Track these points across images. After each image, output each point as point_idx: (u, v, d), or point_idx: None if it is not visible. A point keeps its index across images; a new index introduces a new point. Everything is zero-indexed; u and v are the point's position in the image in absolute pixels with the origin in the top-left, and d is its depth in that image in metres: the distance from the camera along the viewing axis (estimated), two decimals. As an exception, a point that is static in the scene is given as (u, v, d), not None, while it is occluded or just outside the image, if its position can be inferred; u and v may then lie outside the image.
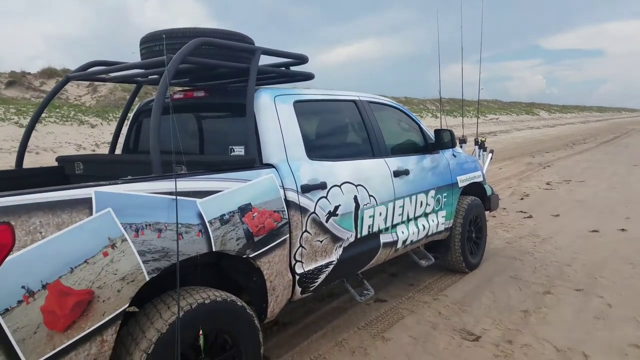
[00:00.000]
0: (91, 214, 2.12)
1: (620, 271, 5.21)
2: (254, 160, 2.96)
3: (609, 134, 33.32)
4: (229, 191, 2.69)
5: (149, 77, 3.62)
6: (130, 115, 4.13)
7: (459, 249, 5.04)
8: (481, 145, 6.99)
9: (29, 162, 4.42)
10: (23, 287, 1.90)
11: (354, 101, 4.02)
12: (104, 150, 14.76)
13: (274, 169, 3.05)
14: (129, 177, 2.39)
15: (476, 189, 5.47)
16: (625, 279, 4.97)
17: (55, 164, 3.88)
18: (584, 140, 27.25)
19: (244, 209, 2.75)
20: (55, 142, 14.99)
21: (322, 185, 3.29)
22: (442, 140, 4.65)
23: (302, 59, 3.55)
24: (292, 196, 3.07)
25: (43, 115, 16.44)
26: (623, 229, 7.00)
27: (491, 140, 24.27)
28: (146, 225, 2.29)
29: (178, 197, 2.40)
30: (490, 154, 7.18)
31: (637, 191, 10.09)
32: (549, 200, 9.51)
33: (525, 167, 14.81)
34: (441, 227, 4.76)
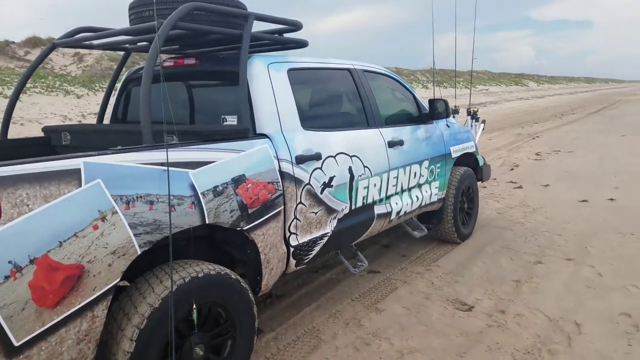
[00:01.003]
0: (80, 186, 2.04)
1: (609, 240, 5.25)
2: (247, 130, 2.88)
3: (596, 104, 33.46)
4: (222, 162, 2.62)
5: (138, 44, 3.50)
6: (118, 84, 4.00)
7: (451, 219, 5.03)
8: (473, 116, 6.96)
9: (14, 134, 4.29)
10: (10, 262, 1.82)
11: (348, 70, 3.93)
12: (91, 121, 14.53)
13: (268, 140, 2.97)
14: (119, 148, 2.30)
15: (469, 159, 5.44)
16: (615, 248, 5.01)
17: (41, 134, 3.77)
18: (572, 111, 27.34)
19: (238, 181, 2.68)
20: (40, 113, 14.71)
21: (317, 156, 3.23)
22: (437, 110, 4.58)
23: (295, 26, 3.44)
24: (287, 167, 3.01)
25: (28, 85, 16.13)
26: (612, 199, 7.05)
27: (481, 111, 24.28)
28: (137, 197, 2.21)
29: (170, 168, 2.32)
30: (482, 124, 7.16)
31: (625, 161, 10.15)
32: (539, 170, 9.55)
33: (514, 138, 14.84)
34: (434, 198, 4.73)
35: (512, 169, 9.72)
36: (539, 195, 7.42)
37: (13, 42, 23.36)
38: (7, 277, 1.82)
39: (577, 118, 22.41)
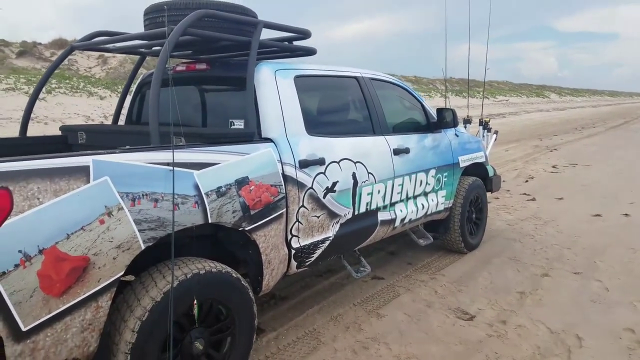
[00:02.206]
0: (88, 182, 2.16)
1: (620, 256, 5.22)
2: (252, 134, 2.98)
3: (619, 118, 32.99)
4: (227, 164, 2.72)
5: (153, 48, 3.62)
6: (134, 86, 4.14)
7: (458, 229, 5.06)
8: (485, 126, 6.97)
9: (38, 132, 4.46)
10: (20, 251, 1.94)
11: (355, 77, 4.00)
12: (112, 122, 14.75)
13: (272, 144, 3.07)
14: (127, 147, 2.42)
15: (478, 169, 5.46)
16: (625, 264, 4.98)
17: (59, 133, 3.92)
18: (593, 124, 27.01)
19: (241, 182, 2.77)
20: (64, 113, 15.03)
21: (321, 161, 3.31)
22: (444, 120, 4.63)
23: (304, 34, 3.53)
24: (290, 171, 3.09)
25: (53, 86, 16.53)
26: (626, 214, 6.99)
27: (500, 122, 24.16)
28: (143, 194, 2.32)
29: (175, 168, 2.42)
30: (494, 135, 7.17)
31: (643, 177, 10.03)
32: (554, 183, 9.48)
33: (532, 150, 14.74)
34: (441, 207, 4.77)
35: (526, 181, 9.67)
36: (552, 208, 7.39)
37: (40, 44, 23.92)
38: (17, 266, 1.94)
39: (598, 131, 22.15)
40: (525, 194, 8.40)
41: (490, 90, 44.02)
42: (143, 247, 2.31)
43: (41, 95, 3.71)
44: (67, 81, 18.20)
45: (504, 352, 3.31)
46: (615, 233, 6.08)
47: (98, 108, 16.60)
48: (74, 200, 2.11)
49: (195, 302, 2.46)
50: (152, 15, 3.21)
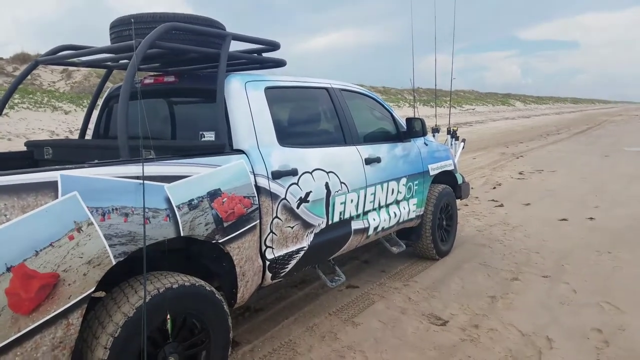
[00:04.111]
0: (57, 197, 2.12)
1: (586, 258, 5.35)
2: (223, 146, 2.97)
3: (582, 125, 33.93)
4: (198, 176, 2.70)
5: (120, 61, 3.59)
6: (101, 100, 4.09)
7: (429, 236, 5.12)
8: (453, 134, 7.09)
9: (2, 149, 4.35)
10: (-14, 269, 1.89)
11: (326, 89, 4.04)
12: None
13: (244, 155, 3.06)
14: (96, 161, 2.38)
15: (447, 177, 5.55)
16: (591, 266, 5.11)
17: (24, 149, 3.84)
18: (557, 131, 27.71)
19: (214, 194, 2.76)
20: (28, 128, 14.68)
21: (293, 172, 3.32)
22: (414, 129, 4.70)
23: (273, 45, 3.54)
24: (263, 182, 3.09)
25: (16, 101, 16.13)
26: (591, 218, 7.18)
27: (467, 130, 24.57)
28: (113, 209, 2.29)
29: (145, 182, 2.40)
30: (462, 143, 7.29)
31: (606, 181, 10.32)
32: (521, 189, 9.68)
33: (499, 157, 15.03)
34: (412, 215, 4.83)
35: (494, 188, 9.85)
36: (520, 214, 7.54)
37: (1, 59, 23.34)
38: (-17, 284, 1.88)
39: (562, 138, 22.73)
40: (493, 200, 8.56)
41: (457, 100, 44.81)
42: (114, 262, 2.27)
43: (4, 111, 3.63)
44: (31, 96, 17.79)
45: (477, 356, 3.36)
46: (581, 236, 6.24)
47: (63, 123, 16.27)
48: (42, 217, 2.06)
49: (168, 316, 2.43)
50: (118, 29, 3.18)
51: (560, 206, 8.03)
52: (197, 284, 2.64)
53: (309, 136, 3.88)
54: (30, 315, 2.01)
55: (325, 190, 3.59)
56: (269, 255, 3.21)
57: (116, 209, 2.30)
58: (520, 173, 11.74)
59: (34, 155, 3.71)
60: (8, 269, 1.94)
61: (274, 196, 3.16)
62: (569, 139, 22.49)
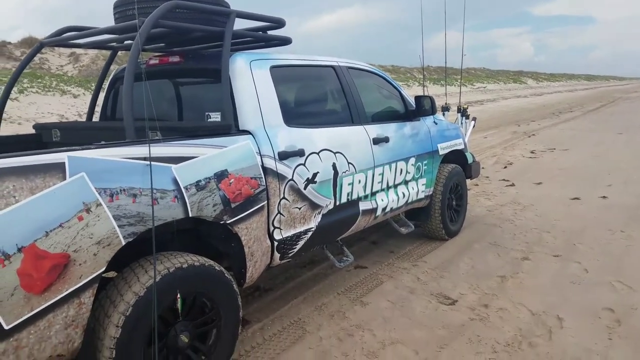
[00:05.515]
0: (65, 179, 2.13)
1: (598, 237, 5.31)
2: (229, 127, 2.96)
3: (595, 102, 33.47)
4: (205, 157, 2.70)
5: (124, 42, 3.57)
6: (107, 82, 4.08)
7: (439, 216, 5.10)
8: (463, 113, 7.02)
9: (12, 133, 4.39)
10: (-2, 250, 1.91)
11: (332, 67, 3.99)
12: (88, 120, 14.54)
13: (250, 136, 3.05)
14: (103, 142, 2.39)
15: (457, 156, 5.51)
16: (603, 245, 5.07)
17: (33, 131, 3.86)
18: (570, 108, 27.37)
19: (220, 175, 2.76)
20: (37, 112, 14.76)
21: (300, 152, 3.31)
22: (423, 107, 4.64)
23: (278, 23, 3.49)
24: (270, 163, 3.09)
25: (25, 85, 16.20)
26: (604, 196, 7.11)
27: (478, 109, 24.34)
28: (121, 190, 2.30)
29: (152, 163, 2.40)
30: (472, 122, 7.22)
31: (619, 159, 10.21)
32: (533, 168, 9.61)
33: (510, 136, 14.90)
34: (421, 195, 4.80)
35: (505, 167, 9.78)
36: (531, 193, 7.48)
37: (10, 43, 23.38)
38: (-5, 265, 1.90)
39: (575, 116, 22.46)
40: (504, 179, 8.50)
41: (468, 78, 44.35)
42: (124, 242, 2.30)
43: (13, 96, 3.64)
44: (39, 80, 17.85)
45: (487, 335, 3.36)
46: (593, 215, 6.19)
47: (72, 106, 16.33)
48: (51, 198, 2.08)
49: (178, 295, 2.45)
50: (122, 9, 3.16)
51: (572, 185, 7.97)
52: (206, 264, 2.66)
53: (316, 116, 3.86)
54: (42, 295, 2.05)
55: (333, 171, 3.57)
56: (277, 236, 3.22)
57: (124, 190, 2.31)
58: (532, 152, 11.64)
59: (42, 138, 3.72)
60: (19, 250, 1.97)
61: (281, 177, 3.16)
62: (582, 116, 22.23)
